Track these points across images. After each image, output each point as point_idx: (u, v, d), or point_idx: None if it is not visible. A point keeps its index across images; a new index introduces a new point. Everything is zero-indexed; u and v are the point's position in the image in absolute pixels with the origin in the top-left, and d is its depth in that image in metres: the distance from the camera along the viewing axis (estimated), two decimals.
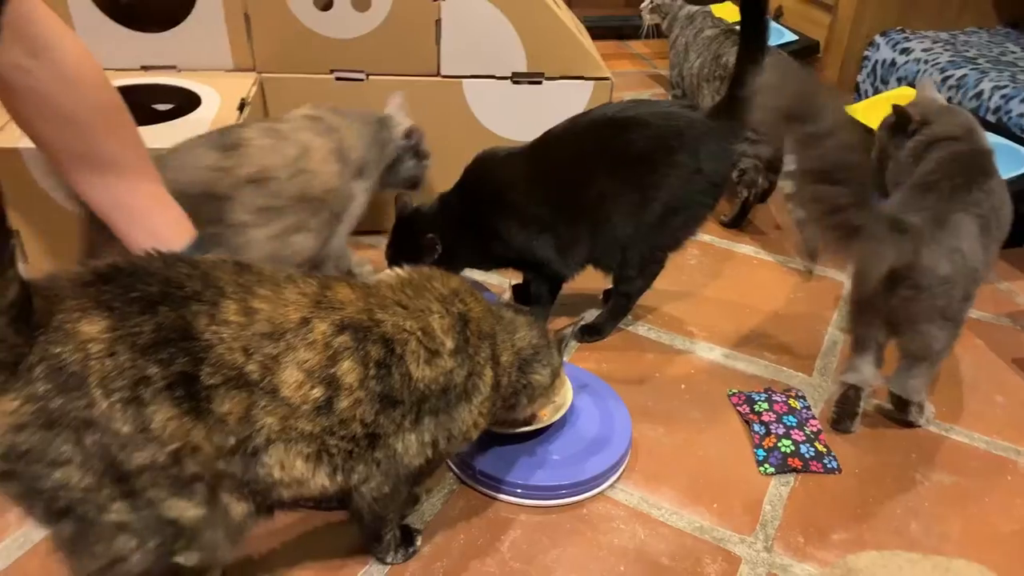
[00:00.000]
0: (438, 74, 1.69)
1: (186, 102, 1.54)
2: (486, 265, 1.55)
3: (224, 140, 1.29)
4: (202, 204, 1.21)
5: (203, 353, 0.78)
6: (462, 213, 1.44)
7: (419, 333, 0.92)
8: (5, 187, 0.72)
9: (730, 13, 2.51)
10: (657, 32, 2.44)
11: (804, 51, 2.34)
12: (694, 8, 2.31)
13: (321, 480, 0.89)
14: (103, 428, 0.74)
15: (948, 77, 2.02)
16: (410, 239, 1.45)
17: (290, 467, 0.85)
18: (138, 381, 0.75)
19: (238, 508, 0.85)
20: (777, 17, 2.52)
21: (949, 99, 2.00)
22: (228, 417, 0.80)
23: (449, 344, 0.94)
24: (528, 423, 1.21)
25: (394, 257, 1.48)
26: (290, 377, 0.82)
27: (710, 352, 1.51)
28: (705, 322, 1.54)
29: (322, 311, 0.86)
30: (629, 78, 2.78)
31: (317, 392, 0.84)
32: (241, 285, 0.83)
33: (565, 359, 1.31)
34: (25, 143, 1.32)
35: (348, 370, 0.86)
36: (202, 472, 0.80)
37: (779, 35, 2.36)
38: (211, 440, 0.79)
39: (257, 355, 0.81)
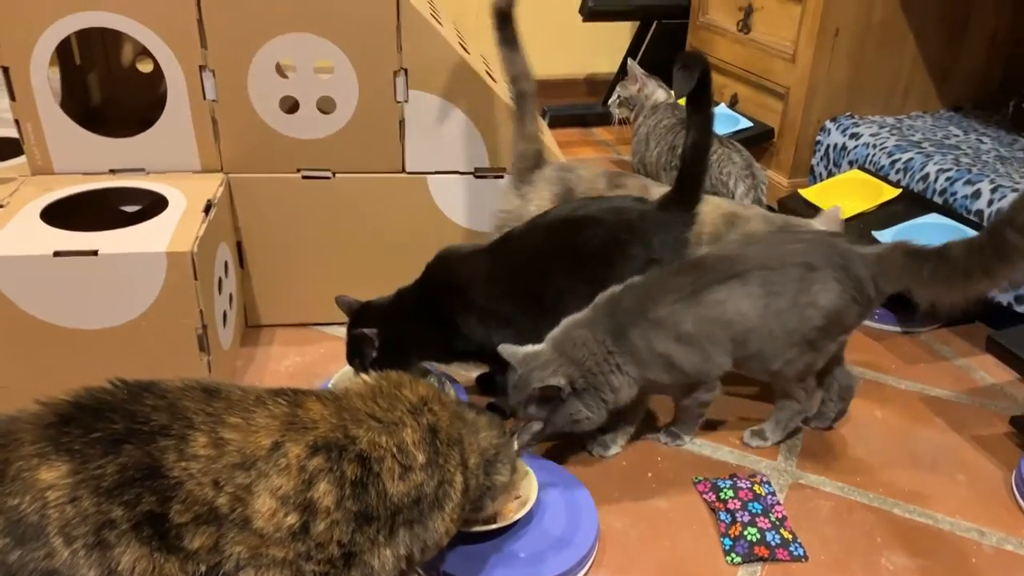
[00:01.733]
0: (403, 170, 1.73)
1: (153, 204, 1.57)
2: (446, 359, 1.56)
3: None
4: None
5: (172, 491, 0.77)
6: (421, 307, 1.46)
7: (394, 449, 0.91)
8: None
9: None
10: (628, 123, 2.52)
11: (759, 137, 2.43)
12: (660, 99, 2.40)
13: None
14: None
15: (896, 160, 2.11)
16: (355, 335, 1.46)
17: None
18: (102, 525, 0.74)
19: None
20: (732, 104, 2.62)
21: (898, 182, 2.08)
22: (199, 551, 0.79)
23: (420, 458, 0.94)
24: (493, 521, 1.21)
25: (349, 357, 1.49)
26: (263, 506, 0.81)
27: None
28: (668, 407, 1.55)
29: (294, 432, 0.85)
30: (592, 165, 2.86)
31: (292, 519, 0.83)
32: (210, 415, 0.82)
33: (530, 451, 1.32)
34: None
35: (325, 492, 0.85)
36: None
37: (735, 122, 2.45)
38: (185, 571, 0.78)
39: (228, 487, 0.79)
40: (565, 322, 1.35)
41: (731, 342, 1.33)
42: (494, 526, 1.21)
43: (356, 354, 1.47)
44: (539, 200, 1.63)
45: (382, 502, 0.90)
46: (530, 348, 1.33)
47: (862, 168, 2.19)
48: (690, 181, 1.46)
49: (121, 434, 0.76)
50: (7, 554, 0.71)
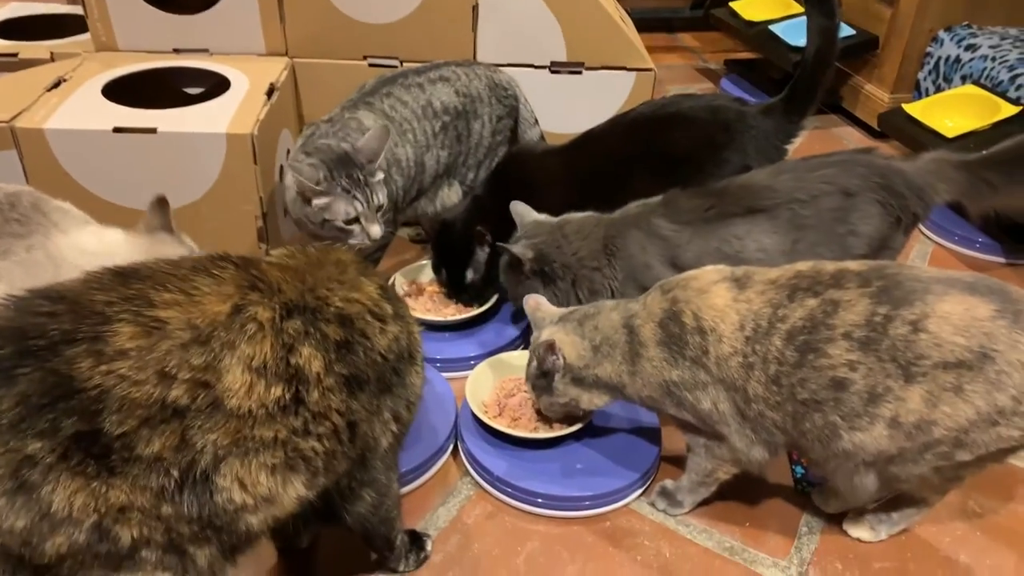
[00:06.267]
0: (475, 61, 1.63)
1: (216, 87, 1.52)
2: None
3: None
4: None
5: (97, 403, 0.64)
6: (496, 211, 1.38)
7: (369, 303, 0.84)
8: (29, 166, 0.63)
9: (752, 6, 2.43)
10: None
11: (862, 46, 2.23)
12: None
13: (295, 492, 0.76)
14: None
15: (1018, 75, 1.90)
16: (455, 243, 1.38)
17: (253, 483, 0.72)
18: (18, 465, 0.63)
19: (202, 555, 0.72)
20: None
21: (1018, 99, 1.88)
22: (162, 454, 0.67)
23: (389, 309, 0.87)
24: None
25: (455, 275, 1.41)
26: (235, 382, 0.69)
27: None
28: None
29: (258, 295, 0.74)
30: (677, 71, 2.69)
31: (276, 391, 0.72)
32: (130, 299, 0.68)
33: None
34: (50, 124, 1.30)
35: (310, 357, 0.74)
36: (145, 534, 0.68)
37: None
38: (144, 491, 0.67)
39: (183, 372, 0.67)
40: (580, 215, 1.27)
41: None
42: (550, 435, 1.16)
43: (461, 261, 1.39)
44: None
45: (369, 362, 0.81)
46: (541, 218, 1.28)
47: (977, 83, 1.98)
48: (803, 90, 1.35)
49: (8, 359, 0.64)
50: None
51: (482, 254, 1.37)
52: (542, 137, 1.57)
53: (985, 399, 0.86)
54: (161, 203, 1.12)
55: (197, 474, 0.69)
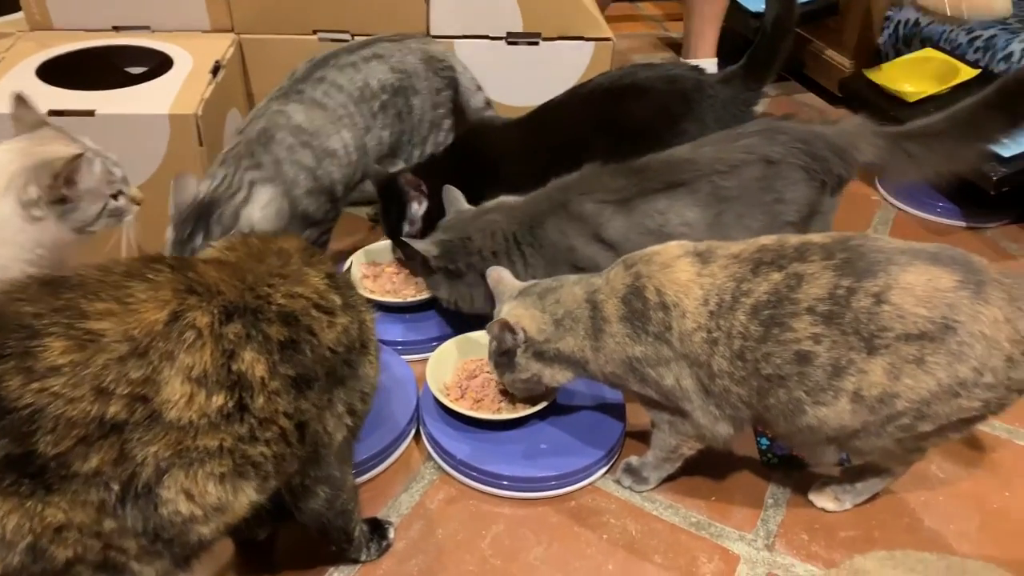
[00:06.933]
0: (428, 35, 1.58)
1: (159, 66, 1.45)
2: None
3: None
4: None
5: (29, 423, 0.61)
6: (447, 174, 1.35)
7: (315, 296, 0.80)
8: None
9: None
10: None
11: (822, 11, 2.20)
12: None
13: (247, 498, 0.74)
14: None
15: (976, 38, 1.89)
16: (395, 194, 1.35)
17: (201, 494, 0.69)
18: None
19: (150, 571, 0.69)
20: None
21: (976, 62, 1.87)
22: (101, 469, 0.64)
23: (337, 300, 0.83)
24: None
25: (391, 228, 1.39)
26: (174, 393, 0.67)
27: None
28: None
29: (196, 299, 0.70)
30: (638, 41, 2.66)
31: (219, 400, 0.69)
32: (61, 310, 0.65)
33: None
34: None
35: (252, 362, 0.72)
36: (82, 552, 0.65)
37: None
38: (84, 506, 0.64)
39: (120, 388, 0.64)
40: (496, 201, 1.25)
41: None
42: (513, 415, 1.14)
43: (394, 210, 1.36)
44: None
45: (318, 358, 0.78)
46: (463, 208, 1.27)
47: (936, 47, 1.98)
48: (763, 57, 1.33)
49: None
50: None
51: (418, 207, 1.34)
52: (488, 103, 1.53)
53: (947, 371, 0.86)
54: (19, 99, 1.05)
55: (139, 487, 0.66)
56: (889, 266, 0.88)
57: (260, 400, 0.72)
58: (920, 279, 0.86)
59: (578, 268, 1.16)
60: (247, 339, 0.72)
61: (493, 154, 1.36)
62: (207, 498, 0.70)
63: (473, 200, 1.30)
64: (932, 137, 1.17)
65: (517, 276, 1.16)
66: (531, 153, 1.34)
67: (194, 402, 0.67)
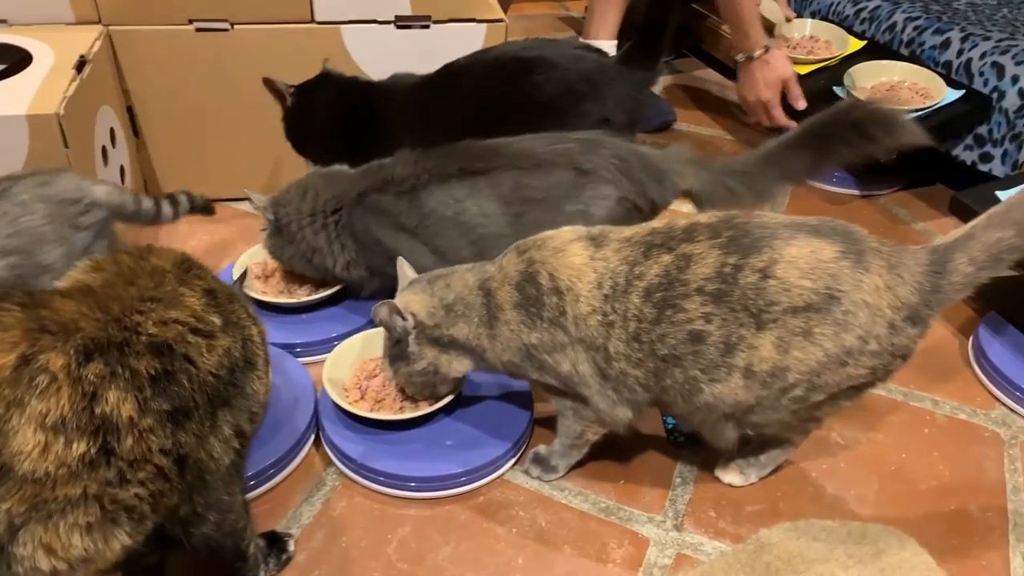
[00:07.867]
0: (312, 20, 1.52)
1: (18, 63, 1.35)
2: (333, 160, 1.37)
3: None
4: None
5: None
6: (338, 123, 1.37)
7: (191, 320, 0.75)
8: None
9: None
10: None
11: None
12: None
13: (120, 544, 0.69)
14: None
15: (861, 9, 1.94)
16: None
17: (64, 547, 0.64)
18: None
19: None
20: None
21: (863, 33, 1.92)
22: None
23: (217, 321, 0.78)
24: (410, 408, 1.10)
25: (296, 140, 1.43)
26: (26, 444, 0.61)
27: None
28: None
29: (49, 338, 0.65)
30: (539, 21, 2.64)
31: (80, 447, 0.64)
32: None
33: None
34: None
35: (119, 402, 0.66)
36: None
37: None
38: None
39: None
40: (329, 169, 1.28)
41: (474, 247, 1.17)
42: (416, 414, 1.10)
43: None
44: None
45: (197, 387, 0.73)
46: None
47: (824, 19, 2.02)
48: (651, 35, 1.32)
49: None
50: None
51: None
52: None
53: (833, 341, 0.86)
54: None
55: None
56: (773, 240, 0.87)
57: (128, 441, 0.67)
58: (803, 251, 0.86)
59: (393, 257, 1.12)
60: (111, 378, 0.66)
61: (388, 112, 1.35)
62: (72, 551, 0.65)
63: (363, 158, 1.27)
64: (748, 175, 1.19)
65: (330, 252, 1.24)
66: (427, 115, 1.32)
67: (50, 451, 0.62)
